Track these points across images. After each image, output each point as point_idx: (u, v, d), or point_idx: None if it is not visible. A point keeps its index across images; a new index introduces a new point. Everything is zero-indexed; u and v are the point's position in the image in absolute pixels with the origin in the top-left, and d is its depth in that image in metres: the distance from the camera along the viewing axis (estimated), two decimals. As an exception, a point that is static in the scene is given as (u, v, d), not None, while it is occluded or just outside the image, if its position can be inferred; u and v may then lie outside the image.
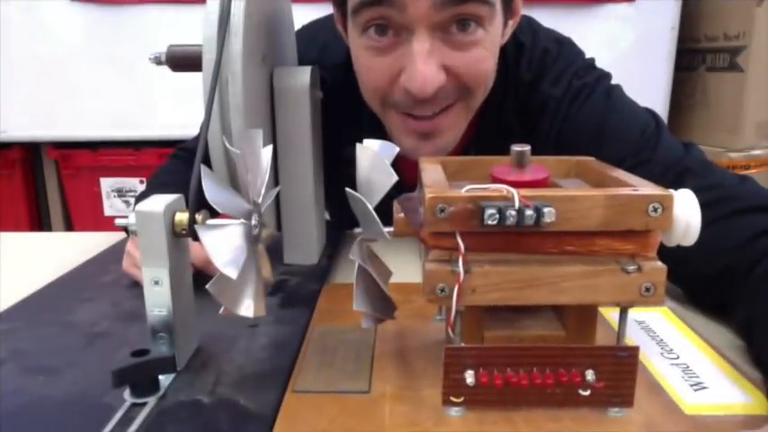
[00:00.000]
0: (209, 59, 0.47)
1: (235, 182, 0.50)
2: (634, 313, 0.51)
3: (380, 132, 0.66)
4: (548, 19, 0.74)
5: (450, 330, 0.36)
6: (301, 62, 0.69)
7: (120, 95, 1.71)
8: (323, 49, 0.73)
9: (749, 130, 1.68)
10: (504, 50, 0.63)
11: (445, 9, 0.54)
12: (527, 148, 0.39)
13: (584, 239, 0.35)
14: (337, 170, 0.66)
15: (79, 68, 1.69)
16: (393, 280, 0.43)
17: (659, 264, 0.35)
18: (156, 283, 0.40)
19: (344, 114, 0.69)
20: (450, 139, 0.63)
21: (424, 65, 0.55)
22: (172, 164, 0.78)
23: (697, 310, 0.54)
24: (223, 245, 0.36)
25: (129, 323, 0.51)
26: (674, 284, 0.56)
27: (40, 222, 1.97)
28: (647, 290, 0.35)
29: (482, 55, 0.58)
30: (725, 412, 0.38)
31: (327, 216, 0.76)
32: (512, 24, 0.64)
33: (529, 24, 0.70)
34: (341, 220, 0.81)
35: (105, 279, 0.62)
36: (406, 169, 0.56)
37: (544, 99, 0.67)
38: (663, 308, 0.53)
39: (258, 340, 0.47)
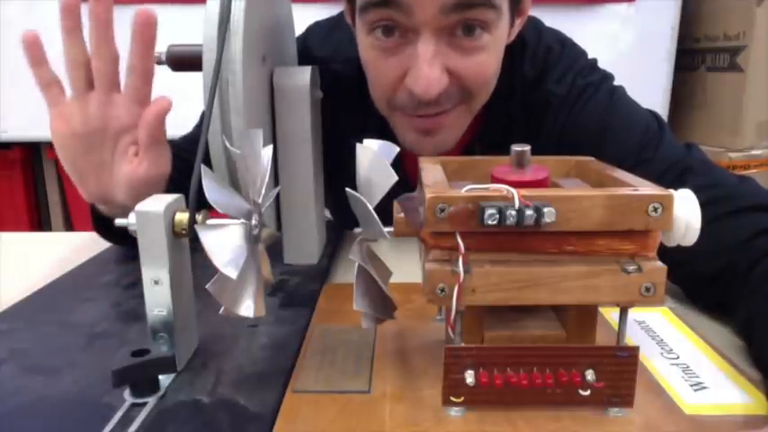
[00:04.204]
0: (209, 59, 0.47)
1: (235, 182, 0.49)
2: (634, 313, 0.51)
3: (388, 128, 0.66)
4: (548, 19, 0.74)
5: (450, 330, 0.36)
6: (313, 59, 0.69)
7: (120, 95, 1.70)
8: (338, 44, 0.73)
9: (749, 130, 1.68)
10: (508, 48, 0.64)
11: (452, 14, 0.54)
12: (527, 148, 0.39)
13: (585, 239, 0.35)
14: (338, 169, 0.66)
15: (79, 68, 1.69)
16: (393, 280, 0.43)
17: (659, 264, 0.35)
18: (156, 283, 0.40)
19: (355, 107, 0.69)
20: (451, 136, 0.64)
21: (428, 68, 0.55)
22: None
23: (697, 309, 0.54)
24: (223, 245, 0.36)
25: (129, 323, 0.51)
26: (674, 284, 0.56)
27: (40, 222, 1.97)
28: (647, 290, 0.35)
29: (486, 60, 0.59)
30: (725, 412, 0.38)
31: (328, 216, 0.76)
32: (519, 23, 0.64)
33: (533, 23, 0.71)
34: (341, 220, 0.81)
35: (105, 279, 0.62)
36: (410, 169, 0.56)
37: (548, 97, 0.67)
38: (663, 308, 0.53)
39: (258, 340, 0.47)
